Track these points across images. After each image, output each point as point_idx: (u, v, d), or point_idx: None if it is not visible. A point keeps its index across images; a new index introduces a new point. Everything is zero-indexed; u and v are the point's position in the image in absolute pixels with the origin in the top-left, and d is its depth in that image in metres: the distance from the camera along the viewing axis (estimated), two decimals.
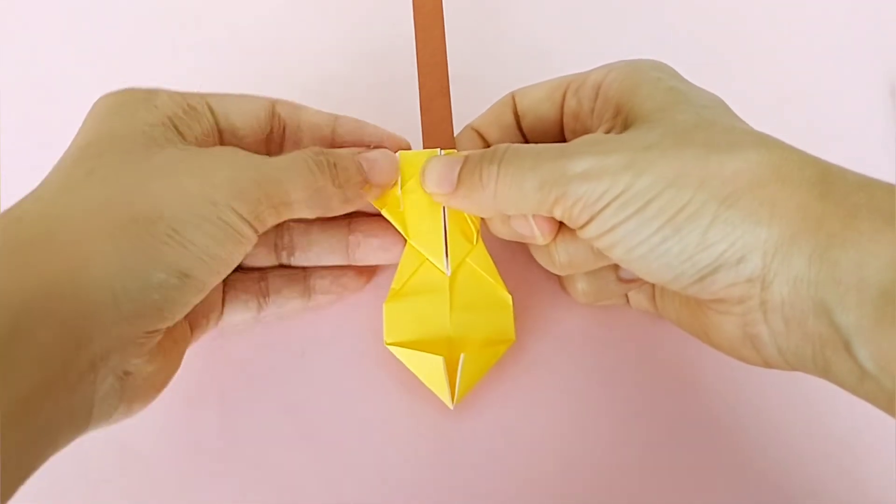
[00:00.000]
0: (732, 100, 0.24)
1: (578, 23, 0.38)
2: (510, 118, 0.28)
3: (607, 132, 0.24)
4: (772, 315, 0.20)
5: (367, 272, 0.30)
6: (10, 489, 0.17)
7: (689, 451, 0.28)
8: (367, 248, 0.28)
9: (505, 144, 0.23)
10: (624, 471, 0.27)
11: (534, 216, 0.24)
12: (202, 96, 0.25)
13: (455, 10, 0.28)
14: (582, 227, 0.22)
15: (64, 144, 0.23)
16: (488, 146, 0.27)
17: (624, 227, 0.21)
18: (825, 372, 0.20)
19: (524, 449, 0.28)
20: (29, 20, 0.37)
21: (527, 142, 0.28)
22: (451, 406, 0.26)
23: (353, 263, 0.29)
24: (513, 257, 0.30)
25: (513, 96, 0.28)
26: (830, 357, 0.19)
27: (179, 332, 0.24)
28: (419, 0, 0.28)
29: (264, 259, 0.29)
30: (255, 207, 0.22)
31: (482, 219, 0.27)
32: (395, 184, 0.27)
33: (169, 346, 0.23)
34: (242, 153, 0.23)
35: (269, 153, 0.27)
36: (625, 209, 0.21)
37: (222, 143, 0.25)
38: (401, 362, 0.27)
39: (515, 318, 0.27)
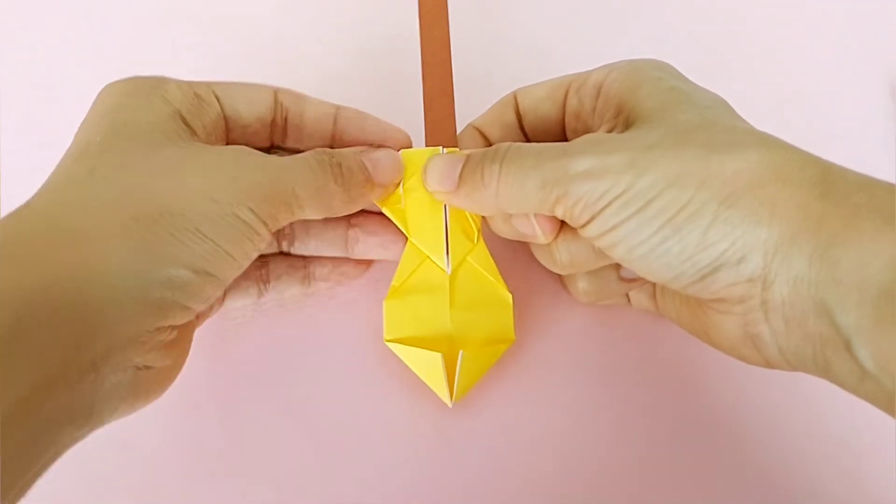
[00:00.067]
0: (732, 100, 0.24)
1: (580, 23, 0.38)
2: (512, 117, 0.28)
3: (609, 132, 0.24)
4: (772, 315, 0.20)
5: (366, 262, 0.30)
6: (11, 488, 0.17)
7: (689, 451, 0.28)
8: (365, 245, 0.28)
9: (507, 143, 0.23)
10: (624, 470, 0.27)
11: (535, 215, 0.24)
12: (208, 85, 0.25)
13: (457, 9, 0.28)
14: (583, 226, 0.22)
15: (64, 144, 0.23)
16: (490, 145, 0.27)
17: (625, 227, 0.21)
18: (825, 372, 0.20)
19: (524, 448, 0.28)
20: (29, 20, 0.37)
21: (528, 141, 0.28)
22: (449, 404, 0.26)
23: (352, 258, 0.29)
24: (514, 256, 0.30)
25: (514, 95, 0.28)
26: (831, 357, 0.19)
27: (191, 323, 0.24)
28: None
29: (266, 247, 0.29)
30: (270, 207, 0.22)
31: (483, 217, 0.27)
32: (400, 181, 0.27)
33: (183, 339, 0.23)
34: (252, 153, 0.23)
35: (272, 142, 0.27)
36: (626, 209, 0.21)
37: (228, 132, 0.26)
38: (400, 361, 0.27)
39: (516, 318, 0.27)
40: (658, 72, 0.24)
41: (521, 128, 0.28)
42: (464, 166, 0.24)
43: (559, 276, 0.30)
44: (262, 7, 0.38)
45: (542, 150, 0.22)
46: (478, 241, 0.27)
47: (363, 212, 0.29)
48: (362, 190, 0.25)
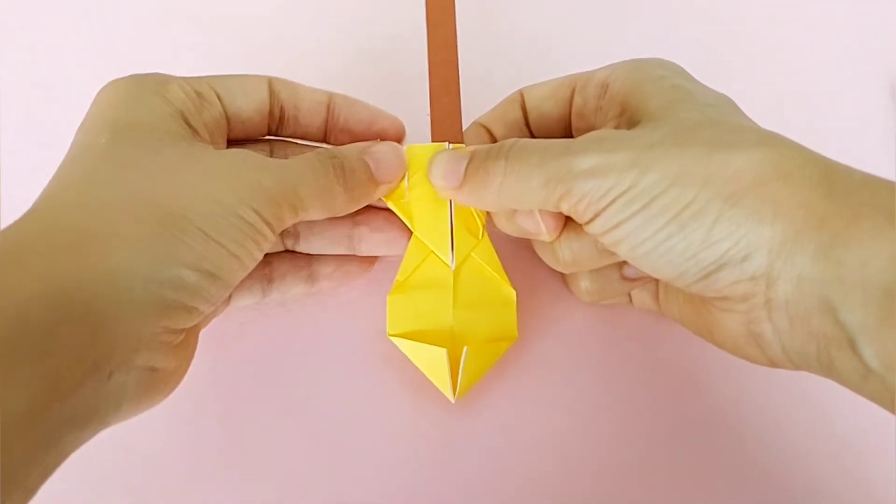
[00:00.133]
0: (733, 99, 0.24)
1: (580, 23, 0.38)
2: (518, 115, 0.28)
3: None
4: (776, 313, 0.20)
5: (371, 259, 0.30)
6: (15, 492, 0.17)
7: (691, 450, 0.28)
8: (371, 242, 0.28)
9: (512, 140, 0.23)
10: (625, 469, 0.27)
11: (540, 212, 0.24)
12: (208, 83, 0.25)
13: (458, 9, 0.28)
14: (588, 222, 0.22)
15: (64, 144, 0.23)
16: (495, 142, 0.27)
17: (629, 224, 0.21)
18: (829, 370, 0.20)
19: (525, 448, 0.28)
20: (29, 20, 0.37)
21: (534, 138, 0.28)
22: (452, 399, 0.26)
23: (357, 255, 0.29)
24: (517, 254, 0.30)
25: (521, 93, 0.28)
26: (835, 355, 0.19)
27: (197, 325, 0.24)
28: None
29: (271, 247, 0.29)
30: (274, 208, 0.22)
31: (487, 214, 0.27)
32: (403, 184, 0.27)
33: (189, 340, 0.23)
34: (254, 155, 0.23)
35: (269, 132, 0.27)
36: (630, 206, 0.21)
37: (229, 129, 0.26)
38: (402, 360, 0.27)
39: (518, 316, 0.27)
40: (662, 70, 0.24)
41: (527, 125, 0.28)
42: (469, 162, 0.24)
43: (561, 275, 0.30)
44: (262, 7, 0.38)
45: (546, 147, 0.22)
46: (482, 237, 0.27)
47: (368, 208, 0.29)
48: (365, 190, 0.25)
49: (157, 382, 0.21)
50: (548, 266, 0.27)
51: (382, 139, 0.27)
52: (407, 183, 0.27)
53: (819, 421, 0.28)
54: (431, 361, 0.26)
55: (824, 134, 0.31)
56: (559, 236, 0.25)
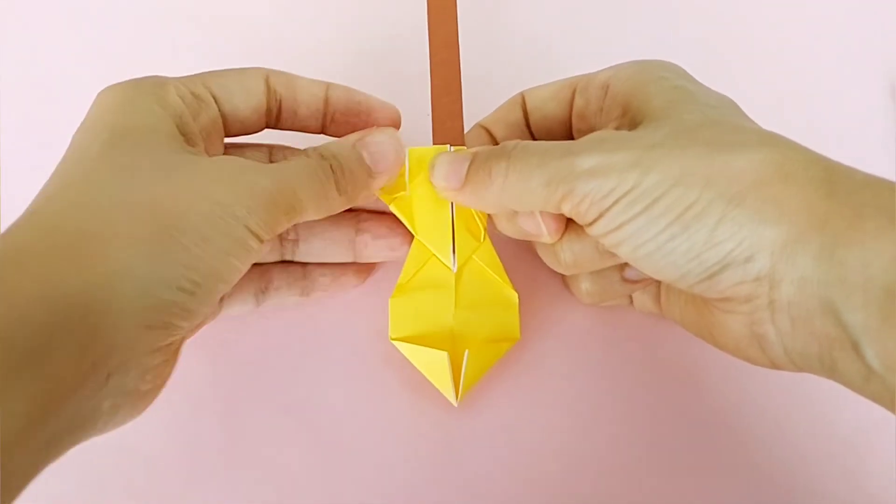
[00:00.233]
0: (734, 100, 0.24)
1: (581, 23, 0.38)
2: (519, 117, 0.28)
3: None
4: (778, 314, 0.20)
5: (366, 270, 0.30)
6: (10, 495, 0.17)
7: (691, 451, 0.28)
8: (373, 249, 0.29)
9: (514, 141, 0.23)
10: (627, 470, 0.27)
11: (541, 213, 0.24)
12: (205, 83, 0.25)
13: (462, 9, 0.28)
14: (590, 224, 0.22)
15: (64, 144, 0.23)
16: (497, 144, 0.27)
17: (632, 225, 0.21)
18: (831, 372, 0.20)
19: (527, 448, 0.28)
20: (29, 20, 0.37)
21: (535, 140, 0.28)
22: (455, 403, 0.26)
23: (358, 261, 0.29)
24: (517, 256, 0.30)
25: (522, 95, 0.28)
26: (837, 356, 0.19)
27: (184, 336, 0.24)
28: None
29: (268, 255, 0.29)
30: (269, 218, 0.22)
31: (489, 217, 0.27)
32: (403, 174, 0.27)
33: (176, 349, 0.22)
34: (249, 163, 0.23)
35: (267, 127, 0.27)
36: (633, 207, 0.21)
37: (227, 126, 0.26)
38: (402, 360, 0.27)
39: (519, 317, 0.27)
40: (664, 72, 0.24)
41: (528, 127, 0.28)
42: (471, 164, 0.24)
43: (562, 276, 0.30)
44: (262, 7, 0.38)
45: (548, 148, 0.22)
46: (484, 239, 0.27)
47: (371, 213, 0.29)
48: (363, 186, 0.25)
49: (144, 392, 0.21)
50: (548, 267, 0.27)
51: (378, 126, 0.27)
52: (408, 186, 0.27)
53: (819, 421, 0.28)
54: (433, 365, 0.26)
55: (824, 134, 0.31)
56: (560, 238, 0.25)
